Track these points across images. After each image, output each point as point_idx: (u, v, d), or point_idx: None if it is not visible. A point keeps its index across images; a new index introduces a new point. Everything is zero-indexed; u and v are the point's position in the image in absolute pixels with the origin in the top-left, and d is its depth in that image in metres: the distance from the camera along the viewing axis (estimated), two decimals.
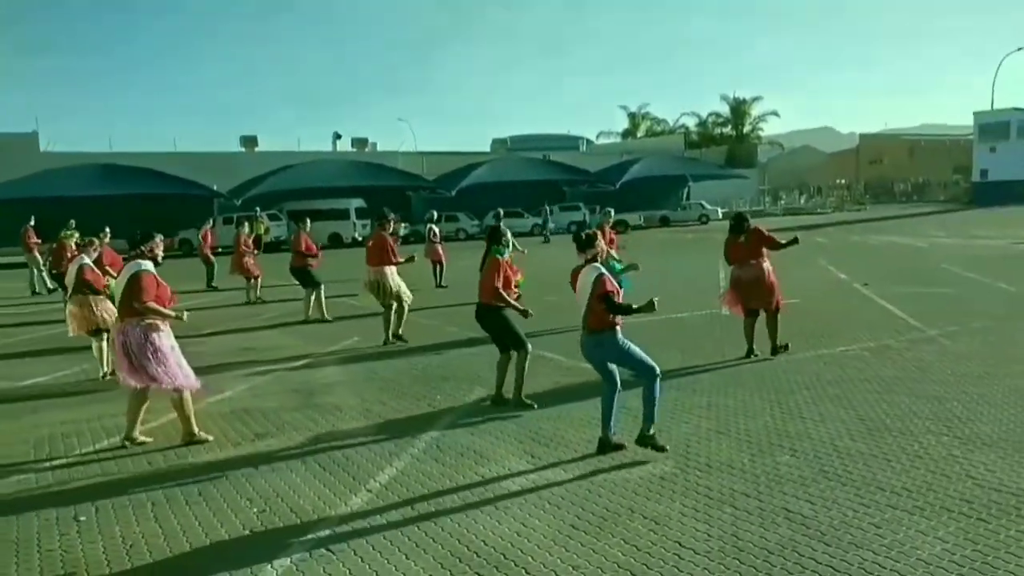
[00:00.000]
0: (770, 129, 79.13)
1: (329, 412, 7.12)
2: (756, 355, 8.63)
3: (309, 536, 4.45)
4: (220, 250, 21.68)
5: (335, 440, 6.27)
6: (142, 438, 6.27)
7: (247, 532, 4.56)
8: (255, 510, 4.86)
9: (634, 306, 5.47)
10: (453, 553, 4.16)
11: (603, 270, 5.61)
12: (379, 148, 52.40)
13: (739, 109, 74.72)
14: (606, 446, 5.65)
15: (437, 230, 18.09)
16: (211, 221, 23.84)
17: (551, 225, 37.31)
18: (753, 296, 8.65)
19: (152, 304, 5.98)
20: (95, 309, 8.64)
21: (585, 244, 5.83)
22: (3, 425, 7.02)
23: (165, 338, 6.11)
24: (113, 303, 6.93)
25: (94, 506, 5.01)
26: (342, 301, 14.36)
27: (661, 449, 5.53)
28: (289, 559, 4.16)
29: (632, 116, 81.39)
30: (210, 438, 6.30)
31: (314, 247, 12.99)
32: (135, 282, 5.99)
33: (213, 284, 18.53)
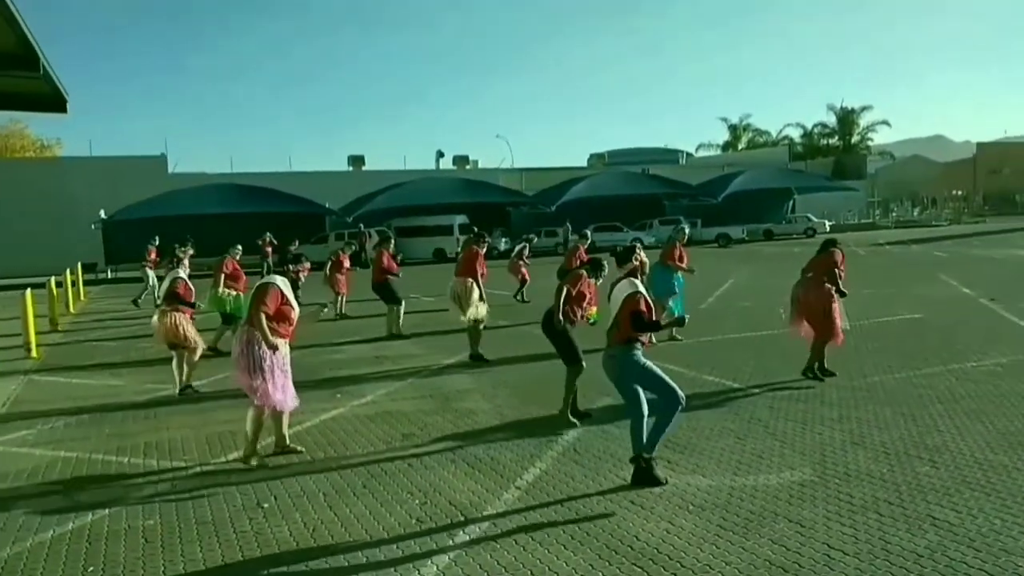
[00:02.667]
0: (879, 139, 76.41)
1: (466, 415, 7.55)
2: (818, 373, 8.32)
3: (471, 526, 4.84)
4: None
5: (477, 441, 6.67)
6: (296, 447, 6.51)
7: (413, 521, 4.99)
8: (417, 502, 5.30)
9: (663, 321, 5.56)
10: (608, 547, 4.45)
11: (640, 288, 5.52)
12: (480, 165, 53.52)
13: (847, 119, 72.45)
14: (645, 474, 5.34)
15: (528, 250, 18.20)
16: (347, 246, 25.03)
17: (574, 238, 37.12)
18: (804, 313, 8.41)
19: (262, 316, 5.99)
20: (177, 323, 8.73)
21: (623, 258, 5.88)
22: (177, 422, 7.76)
23: (276, 356, 6.10)
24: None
25: (272, 495, 5.56)
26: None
27: (655, 481, 5.26)
28: (458, 547, 4.55)
29: (733, 128, 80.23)
30: (301, 449, 6.51)
31: (395, 265, 13.33)
32: (260, 292, 6.18)
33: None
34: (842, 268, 8.40)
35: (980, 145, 79.78)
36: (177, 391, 8.88)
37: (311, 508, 5.29)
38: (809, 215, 46.88)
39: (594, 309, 7.36)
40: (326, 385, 9.03)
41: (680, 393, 5.34)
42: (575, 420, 7.06)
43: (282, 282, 6.31)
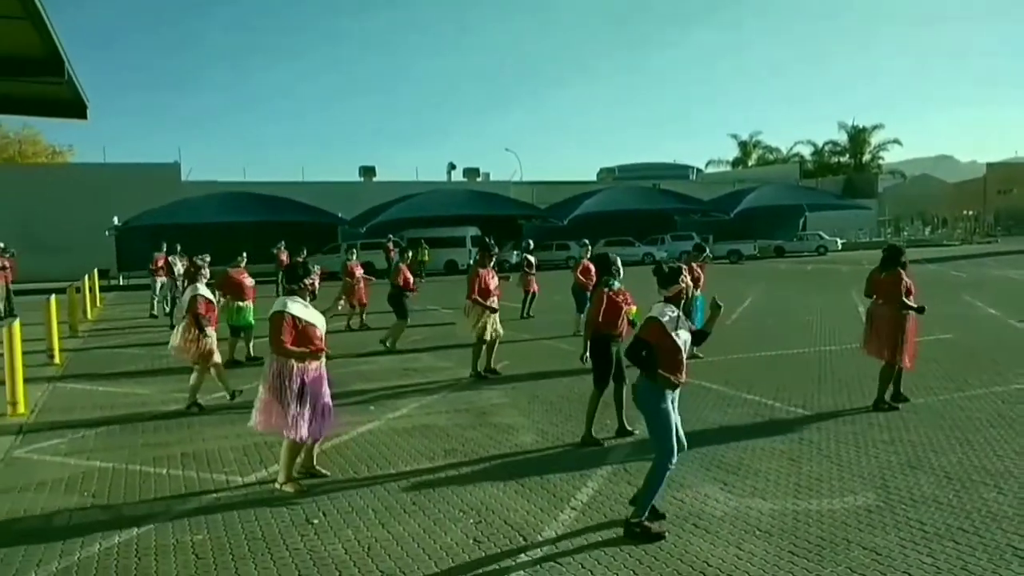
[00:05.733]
0: (888, 158, 76.33)
1: (505, 431, 7.41)
2: (891, 403, 7.88)
3: (533, 549, 4.69)
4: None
5: (522, 458, 6.53)
6: (322, 470, 6.22)
7: (471, 541, 4.84)
8: (471, 522, 5.15)
9: (658, 372, 4.78)
10: (679, 572, 4.31)
11: (664, 318, 4.84)
12: (491, 178, 53.52)
13: (858, 137, 72.46)
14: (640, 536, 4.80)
15: (533, 260, 17.90)
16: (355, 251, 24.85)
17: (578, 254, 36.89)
18: (875, 336, 8.01)
19: (286, 348, 5.66)
20: (197, 344, 8.54)
21: (667, 279, 4.96)
22: (212, 432, 7.63)
23: (314, 380, 5.80)
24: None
25: (321, 511, 5.42)
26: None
27: (652, 537, 4.74)
28: (522, 567, 4.41)
29: (743, 145, 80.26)
30: (327, 473, 6.21)
31: (411, 280, 13.19)
32: (272, 324, 5.77)
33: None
34: (905, 281, 7.89)
35: (990, 165, 79.65)
36: (229, 398, 8.83)
37: (363, 525, 5.15)
38: (821, 232, 46.73)
39: (634, 308, 7.16)
40: (357, 397, 8.89)
41: (676, 455, 4.86)
42: (600, 440, 6.91)
43: (293, 304, 5.82)
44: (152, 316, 18.88)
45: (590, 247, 14.59)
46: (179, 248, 19.67)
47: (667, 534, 4.81)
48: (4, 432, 7.86)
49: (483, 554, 4.65)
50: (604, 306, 6.90)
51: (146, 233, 33.07)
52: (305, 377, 5.76)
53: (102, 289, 27.85)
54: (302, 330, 5.78)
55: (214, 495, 5.85)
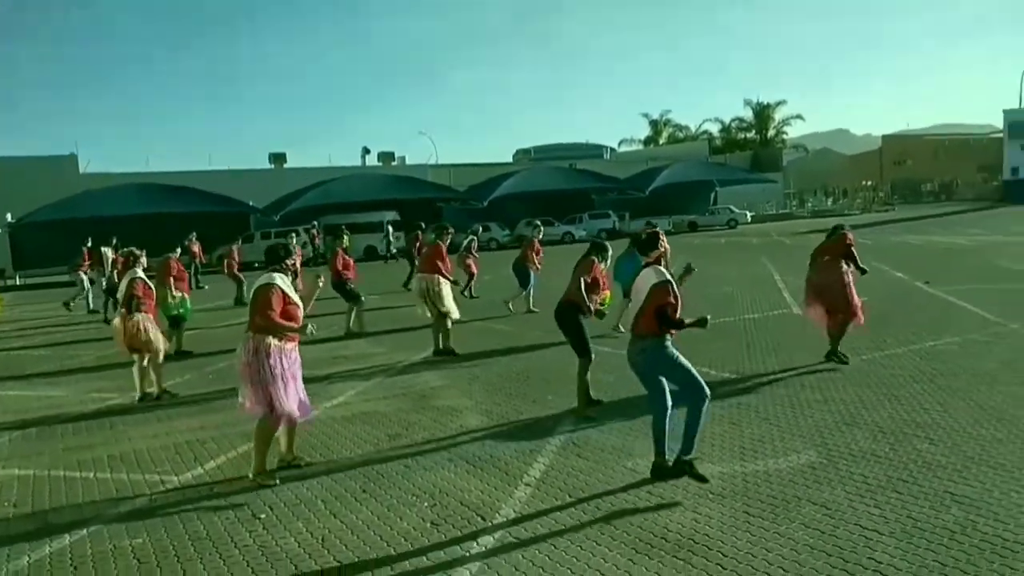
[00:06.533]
0: (791, 132, 79.13)
1: (448, 413, 7.32)
2: (838, 359, 8.33)
3: (493, 528, 4.63)
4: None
5: (468, 439, 6.46)
6: (304, 459, 6.02)
7: (428, 524, 4.75)
8: (426, 505, 5.05)
9: (686, 321, 5.07)
10: (642, 540, 4.33)
11: (668, 277, 5.14)
12: (407, 162, 52.85)
13: (763, 113, 74.79)
14: (663, 471, 5.15)
15: (476, 243, 18.08)
16: (239, 240, 24.28)
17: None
18: (822, 298, 8.46)
19: (274, 321, 5.48)
20: (140, 326, 8.25)
21: (647, 245, 5.41)
22: (139, 432, 7.26)
23: (287, 362, 5.58)
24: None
25: (267, 505, 5.22)
26: (407, 311, 14.55)
27: (701, 479, 4.99)
28: (488, 552, 4.34)
29: (654, 123, 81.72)
30: (309, 461, 6.04)
31: (351, 263, 12.94)
32: (262, 295, 5.56)
33: (244, 300, 18.74)
34: (854, 247, 8.52)
35: (885, 138, 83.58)
36: (137, 397, 8.39)
37: (313, 517, 4.98)
38: (731, 207, 48.13)
39: (607, 293, 7.27)
40: None
41: (706, 387, 5.12)
42: (591, 411, 6.94)
43: (281, 280, 5.67)
44: (92, 311, 17.98)
45: (541, 228, 14.87)
46: (115, 241, 18.73)
47: (629, 499, 4.84)
48: None
49: (443, 537, 4.57)
50: (594, 273, 7.00)
51: (43, 229, 31.31)
52: (283, 357, 5.53)
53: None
54: (287, 307, 5.61)
55: (148, 497, 5.55)
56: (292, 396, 5.57)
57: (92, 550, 4.65)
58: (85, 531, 4.94)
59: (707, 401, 5.10)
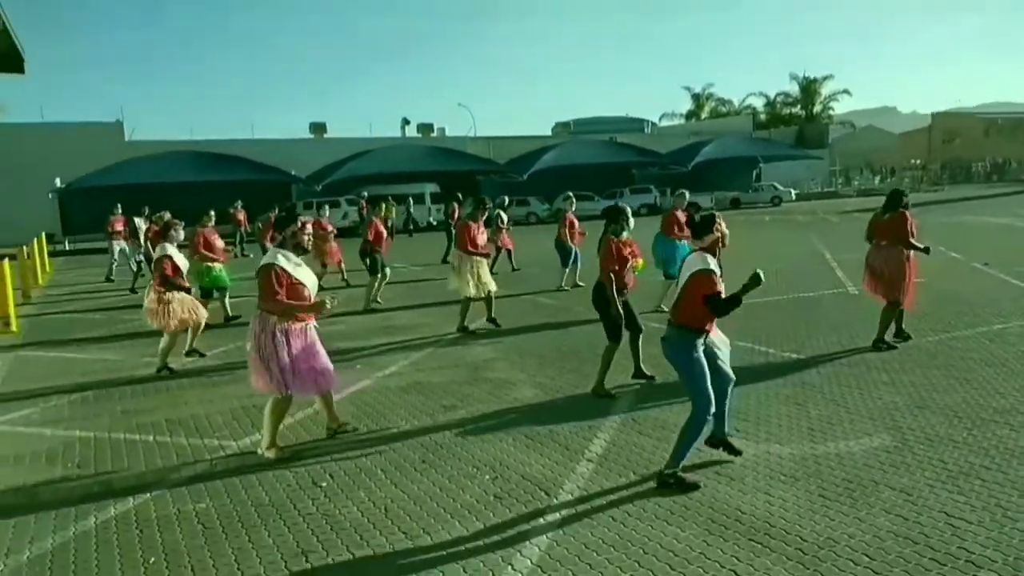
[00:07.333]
0: (837, 108, 77.24)
1: (502, 386, 7.23)
2: (890, 343, 7.95)
3: (555, 502, 4.54)
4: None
5: (525, 412, 6.37)
6: (347, 423, 6.00)
7: (491, 497, 4.67)
8: (487, 478, 4.98)
9: (737, 291, 4.61)
10: (714, 521, 4.20)
11: (711, 266, 4.69)
12: (447, 134, 52.65)
13: (809, 88, 73.00)
14: (720, 441, 5.01)
15: (505, 217, 17.58)
16: (277, 209, 24.21)
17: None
18: (879, 281, 8.08)
19: (278, 301, 5.31)
20: (169, 308, 8.20)
21: (702, 229, 4.81)
22: (195, 396, 7.30)
23: (297, 338, 5.42)
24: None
25: (328, 473, 5.19)
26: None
27: (686, 487, 4.61)
28: (553, 525, 4.25)
29: (696, 97, 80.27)
30: (356, 427, 6.03)
31: (383, 234, 12.71)
32: (260, 279, 5.38)
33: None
34: (910, 222, 7.95)
35: (935, 115, 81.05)
36: (158, 370, 8.30)
37: (374, 486, 4.93)
38: (775, 184, 47.19)
39: (639, 261, 7.06)
40: (340, 356, 8.57)
41: (712, 407, 4.66)
42: (613, 393, 6.76)
43: (283, 259, 5.42)
44: (109, 280, 18.10)
45: (574, 200, 14.36)
46: (146, 210, 18.82)
47: (696, 478, 4.70)
48: None
49: (507, 510, 4.48)
50: (617, 253, 6.76)
51: (91, 195, 31.77)
52: (289, 335, 5.37)
53: (49, 254, 26.73)
54: (290, 287, 5.39)
55: (209, 461, 5.56)
56: (292, 376, 5.36)
57: (156, 513, 4.66)
58: (148, 495, 4.95)
59: (702, 427, 4.68)
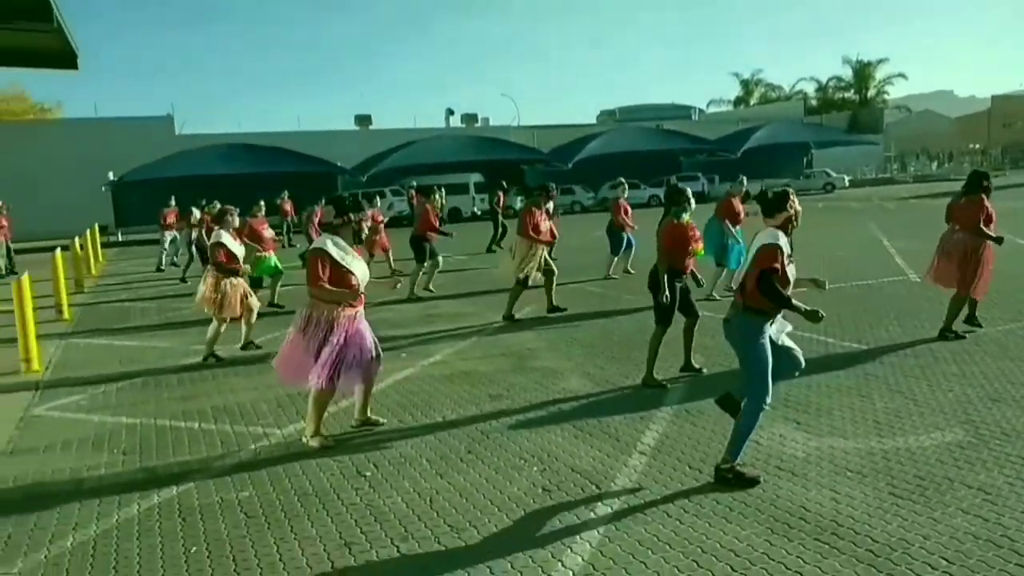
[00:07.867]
0: (893, 93, 74.96)
1: (549, 375, 7.04)
2: (957, 333, 7.56)
3: (606, 496, 4.34)
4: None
5: (573, 402, 6.17)
6: (376, 418, 5.86)
7: (540, 490, 4.49)
8: (535, 470, 4.80)
9: (794, 302, 4.29)
10: (776, 519, 3.95)
11: (780, 241, 4.39)
12: (491, 123, 52.51)
13: (863, 72, 70.85)
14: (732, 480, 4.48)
15: (552, 205, 17.22)
16: (323, 200, 24.24)
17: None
18: (950, 267, 7.65)
19: (323, 287, 5.22)
20: (226, 295, 8.19)
21: (773, 206, 4.51)
22: (242, 384, 7.26)
23: (335, 326, 5.27)
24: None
25: (371, 463, 5.06)
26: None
27: (746, 482, 4.38)
28: (604, 520, 4.06)
29: (745, 83, 78.54)
30: (383, 421, 5.87)
31: (435, 224, 12.57)
32: (309, 264, 5.35)
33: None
34: (987, 208, 7.51)
35: (995, 98, 78.14)
36: (204, 358, 8.33)
37: (419, 476, 4.79)
38: (828, 170, 46.03)
39: (699, 246, 6.84)
40: (385, 343, 8.46)
41: (769, 395, 4.40)
42: (663, 382, 6.50)
43: (332, 245, 5.30)
44: (159, 270, 18.40)
45: (626, 186, 14.09)
46: (203, 201, 19.09)
47: (764, 479, 4.44)
48: (20, 389, 7.50)
49: (556, 503, 4.30)
50: (678, 235, 6.53)
51: (143, 188, 32.40)
52: (336, 324, 5.25)
53: (102, 245, 27.33)
54: (336, 273, 5.27)
55: (253, 449, 5.49)
56: (331, 368, 5.20)
57: (199, 501, 4.59)
58: (192, 483, 4.89)
59: (758, 416, 4.41)
